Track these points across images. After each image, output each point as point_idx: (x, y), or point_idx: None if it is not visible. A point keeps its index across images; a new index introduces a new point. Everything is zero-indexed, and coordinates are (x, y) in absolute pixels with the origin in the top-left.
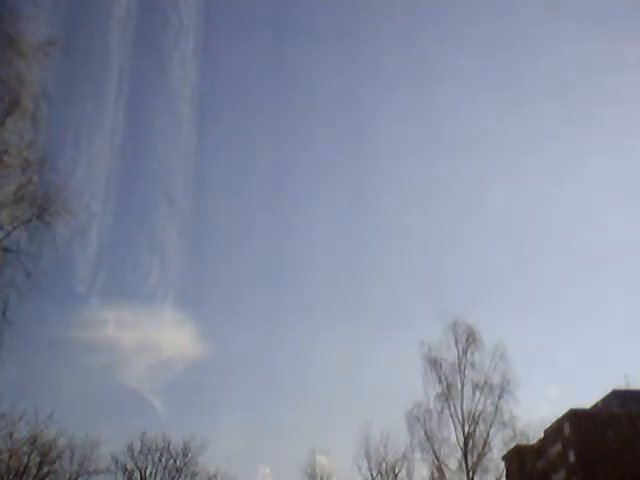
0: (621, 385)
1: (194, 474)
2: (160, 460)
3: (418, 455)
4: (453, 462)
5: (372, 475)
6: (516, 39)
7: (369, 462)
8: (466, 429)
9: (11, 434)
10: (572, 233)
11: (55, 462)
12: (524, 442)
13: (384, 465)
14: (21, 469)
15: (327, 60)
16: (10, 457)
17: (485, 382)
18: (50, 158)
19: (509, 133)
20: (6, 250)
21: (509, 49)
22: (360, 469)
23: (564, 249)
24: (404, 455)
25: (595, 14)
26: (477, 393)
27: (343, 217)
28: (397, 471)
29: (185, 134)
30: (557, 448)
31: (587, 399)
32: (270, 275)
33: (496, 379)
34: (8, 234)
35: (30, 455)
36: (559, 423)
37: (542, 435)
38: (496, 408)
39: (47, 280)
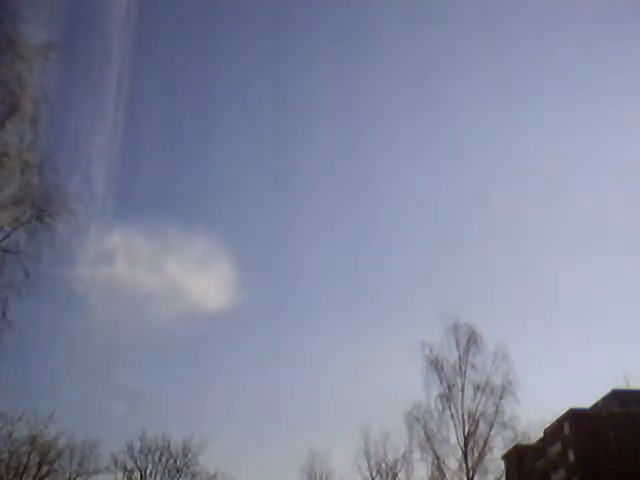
0: (621, 385)
1: (194, 474)
2: (160, 460)
3: (417, 455)
4: (453, 462)
5: (372, 475)
6: (516, 38)
7: (369, 462)
8: (466, 429)
9: (11, 434)
10: (573, 234)
11: (55, 462)
12: (524, 442)
13: (383, 465)
14: (21, 469)
15: (327, 60)
16: (10, 457)
17: (486, 383)
18: (50, 160)
19: (510, 133)
20: (6, 251)
21: (509, 49)
22: (360, 469)
23: (565, 250)
24: (404, 455)
25: (595, 14)
26: (478, 394)
27: (344, 216)
28: (397, 471)
29: (185, 133)
30: (557, 448)
31: (587, 399)
32: (269, 278)
33: (497, 380)
34: (8, 235)
35: (30, 455)
36: (559, 423)
37: (542, 435)
38: (497, 409)
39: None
